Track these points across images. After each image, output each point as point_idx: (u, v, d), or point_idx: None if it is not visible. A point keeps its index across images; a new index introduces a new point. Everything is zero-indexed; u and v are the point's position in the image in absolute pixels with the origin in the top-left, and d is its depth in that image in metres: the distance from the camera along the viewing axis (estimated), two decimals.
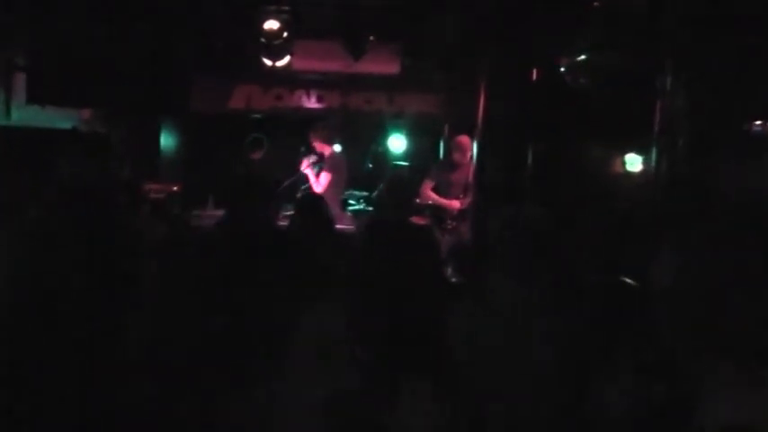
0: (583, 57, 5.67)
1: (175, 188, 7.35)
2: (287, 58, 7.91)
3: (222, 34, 7.90)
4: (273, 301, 3.37)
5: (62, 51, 7.69)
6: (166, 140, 9.20)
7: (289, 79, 8.82)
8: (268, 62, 7.85)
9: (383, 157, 8.96)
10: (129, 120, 8.52)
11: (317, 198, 5.64)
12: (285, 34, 7.37)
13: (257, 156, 8.44)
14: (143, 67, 8.00)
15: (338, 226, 6.70)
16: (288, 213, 7.51)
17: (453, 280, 6.37)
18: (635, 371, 2.53)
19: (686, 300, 2.60)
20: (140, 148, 8.64)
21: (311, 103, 9.02)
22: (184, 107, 8.79)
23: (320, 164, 7.64)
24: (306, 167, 7.64)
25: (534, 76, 6.65)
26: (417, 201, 7.56)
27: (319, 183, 7.56)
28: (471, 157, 7.21)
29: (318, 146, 7.67)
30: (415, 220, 7.09)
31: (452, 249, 7.35)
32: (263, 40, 7.40)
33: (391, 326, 3.93)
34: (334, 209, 7.34)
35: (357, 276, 4.22)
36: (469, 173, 7.34)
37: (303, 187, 7.58)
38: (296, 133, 8.47)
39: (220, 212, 7.24)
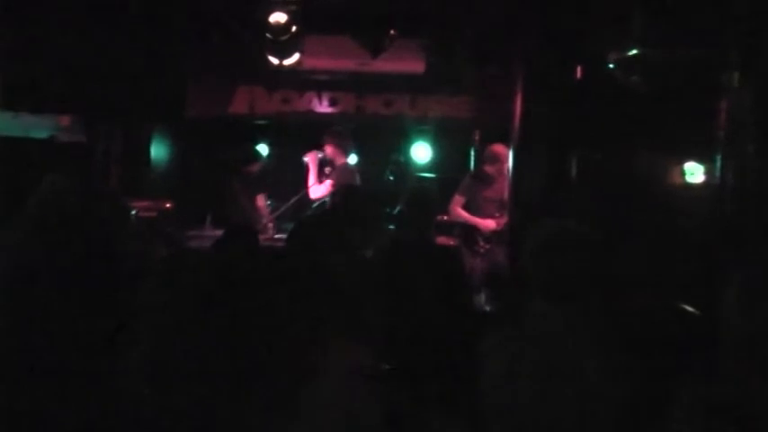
0: (635, 51, 5.67)
1: (168, 205, 7.41)
2: (295, 56, 7.97)
3: (222, 30, 7.95)
4: (280, 332, 3.38)
5: (38, 50, 7.72)
6: (158, 151, 9.22)
7: (297, 80, 8.89)
8: (274, 61, 7.91)
9: (405, 168, 9.00)
10: (114, 128, 8.60)
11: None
12: (293, 29, 7.40)
13: (253, 169, 8.44)
14: (131, 68, 8.04)
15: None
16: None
17: (487, 308, 6.37)
18: (698, 411, 2.50)
19: (761, 333, 2.56)
20: (128, 159, 8.69)
21: (323, 106, 9.07)
22: (179, 113, 8.86)
23: (326, 162, 7.71)
24: (310, 159, 7.69)
25: (579, 74, 6.64)
26: (445, 219, 7.57)
27: (318, 188, 7.61)
28: (507, 168, 7.19)
29: (331, 151, 7.69)
30: (443, 240, 7.12)
31: (486, 275, 7.36)
32: (268, 35, 7.44)
33: (415, 359, 3.95)
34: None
35: (374, 304, 4.23)
36: (505, 187, 7.34)
37: (314, 206, 7.64)
38: (305, 141, 8.52)
39: (219, 231, 7.37)
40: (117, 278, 3.66)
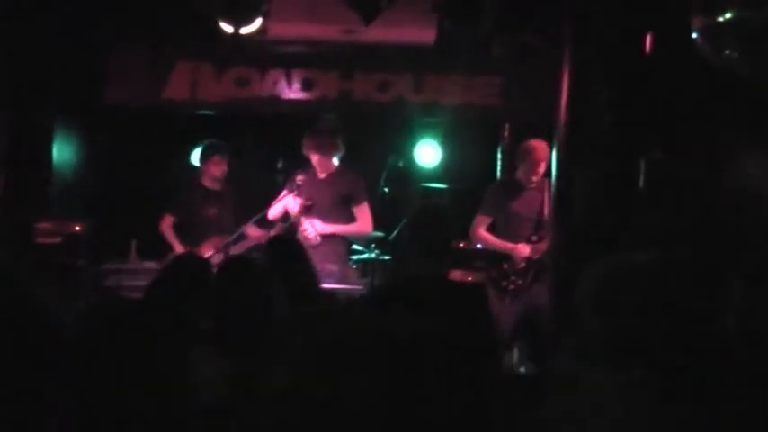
0: (729, 15, 5.69)
1: (78, 228, 7.41)
2: (257, 22, 7.99)
3: None
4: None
5: None
6: (63, 153, 9.13)
7: (258, 54, 8.96)
8: (227, 28, 7.93)
9: (406, 176, 9.00)
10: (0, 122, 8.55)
11: (294, 242, 5.69)
12: None
13: (219, 170, 8.43)
14: (22, 38, 8.06)
15: (332, 285, 6.75)
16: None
17: (522, 370, 6.36)
18: None
19: None
20: (19, 165, 8.58)
21: (293, 90, 9.09)
22: (93, 100, 8.87)
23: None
24: (289, 195, 7.77)
25: (649, 47, 6.67)
26: (462, 246, 7.58)
27: (279, 205, 7.76)
28: (548, 174, 7.21)
29: (318, 161, 7.76)
30: (459, 275, 7.12)
31: (519, 322, 7.36)
32: None
33: None
34: (327, 259, 7.43)
35: (366, 364, 4.22)
36: (545, 200, 7.37)
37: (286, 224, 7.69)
38: (269, 139, 8.54)
39: (150, 265, 7.39)
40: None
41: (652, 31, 6.63)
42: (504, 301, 7.37)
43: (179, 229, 8.11)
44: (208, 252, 7.50)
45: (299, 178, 7.78)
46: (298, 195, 7.72)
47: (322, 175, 7.89)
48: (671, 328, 2.67)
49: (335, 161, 7.94)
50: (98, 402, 3.49)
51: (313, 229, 7.62)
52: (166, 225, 8.10)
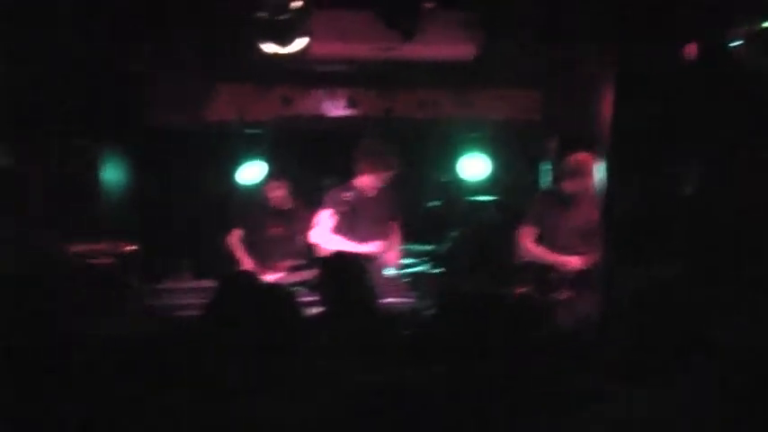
0: None
1: (130, 248, 7.49)
2: (300, 42, 8.06)
3: (194, 8, 8.06)
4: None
5: None
6: (113, 175, 9.26)
7: (303, 74, 8.97)
8: (271, 48, 8.00)
9: (453, 189, 9.03)
10: (48, 146, 8.64)
11: (350, 258, 5.73)
12: (296, 4, 7.53)
13: (279, 194, 8.54)
14: (67, 67, 8.16)
15: (385, 300, 6.80)
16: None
17: (568, 383, 6.35)
18: None
19: None
20: (69, 189, 8.69)
21: (337, 108, 9.18)
22: (141, 122, 9.00)
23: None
24: (330, 208, 7.84)
25: (693, 56, 6.68)
26: (511, 258, 7.59)
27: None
28: (594, 185, 7.24)
29: (370, 177, 7.83)
30: (509, 288, 7.14)
31: (569, 335, 7.36)
32: (261, 13, 7.57)
33: None
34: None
35: (422, 382, 4.28)
36: (593, 211, 7.39)
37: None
38: (313, 157, 8.59)
39: (203, 283, 7.45)
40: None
41: (694, 40, 6.65)
42: (555, 313, 7.37)
43: (247, 245, 8.19)
44: (280, 272, 7.61)
45: (346, 195, 7.86)
46: (338, 212, 7.80)
47: (371, 193, 7.96)
48: (699, 342, 2.70)
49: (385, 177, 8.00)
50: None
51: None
52: (235, 239, 8.18)
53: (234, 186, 8.97)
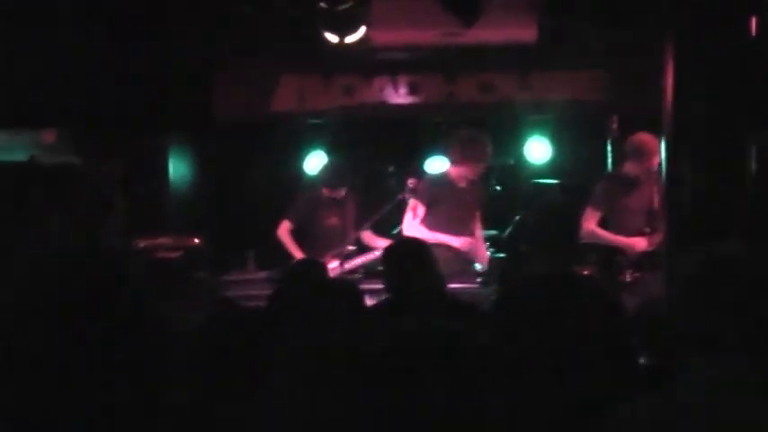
0: None
1: (195, 242, 7.56)
2: (361, 30, 8.08)
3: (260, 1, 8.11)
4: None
5: (8, 48, 7.90)
6: (178, 170, 9.43)
7: (364, 62, 9.04)
8: (332, 38, 8.03)
9: (517, 172, 9.00)
10: (115, 142, 8.76)
11: (418, 244, 5.74)
12: None
13: (337, 195, 8.45)
14: (131, 63, 8.27)
15: (454, 285, 6.81)
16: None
17: (641, 361, 6.34)
18: None
19: None
20: (137, 184, 8.84)
21: (400, 95, 9.19)
22: (204, 116, 9.06)
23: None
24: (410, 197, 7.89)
25: (752, 31, 6.61)
26: (577, 240, 7.56)
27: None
28: (659, 166, 7.19)
29: (467, 168, 7.84)
30: (576, 270, 7.13)
31: (637, 315, 7.32)
32: (321, 4, 7.59)
33: None
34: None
35: (493, 365, 4.29)
36: (655, 192, 7.34)
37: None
38: (378, 145, 8.60)
39: (268, 274, 7.52)
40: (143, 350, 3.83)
41: (754, 15, 6.57)
42: (621, 295, 7.34)
43: (298, 236, 8.19)
44: (331, 263, 7.62)
45: (411, 181, 7.90)
46: (429, 203, 7.83)
47: (462, 184, 7.97)
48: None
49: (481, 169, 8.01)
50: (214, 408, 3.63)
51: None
52: (284, 231, 8.16)
53: (295, 177, 8.99)
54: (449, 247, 7.67)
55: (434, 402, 2.90)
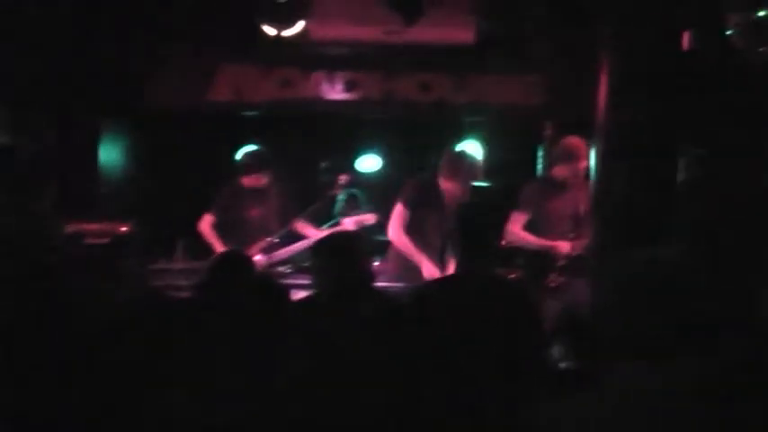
0: (764, 13, 5.70)
1: (124, 229, 7.49)
2: (300, 24, 8.06)
3: None
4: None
5: None
6: (109, 155, 9.34)
7: (302, 56, 9.03)
8: (270, 30, 8.01)
9: None
10: (47, 125, 8.65)
11: (348, 239, 5.73)
12: None
13: (260, 182, 8.17)
14: (69, 46, 8.22)
15: (383, 283, 6.81)
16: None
17: (562, 365, 6.38)
18: None
19: None
20: (68, 168, 8.75)
21: (336, 91, 9.18)
22: (138, 103, 9.01)
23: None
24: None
25: (687, 44, 6.68)
26: (502, 243, 7.58)
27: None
28: (587, 171, 7.25)
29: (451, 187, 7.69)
30: (500, 273, 7.16)
31: (560, 318, 7.37)
32: None
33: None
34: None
35: (412, 357, 4.32)
36: (583, 197, 7.40)
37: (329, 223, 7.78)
38: (312, 140, 8.58)
39: (197, 265, 7.48)
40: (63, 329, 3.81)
41: (690, 29, 6.64)
42: (546, 298, 7.38)
43: (221, 229, 8.12)
44: (256, 254, 7.57)
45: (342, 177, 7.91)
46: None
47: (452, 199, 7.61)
48: (694, 323, 2.72)
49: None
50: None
51: None
52: (206, 224, 8.06)
53: (224, 168, 8.91)
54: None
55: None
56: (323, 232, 7.64)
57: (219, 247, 7.83)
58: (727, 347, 2.85)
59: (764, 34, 5.74)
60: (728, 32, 5.87)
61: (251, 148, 8.19)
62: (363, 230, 7.70)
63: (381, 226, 7.71)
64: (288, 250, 7.85)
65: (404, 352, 4.35)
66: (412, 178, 7.75)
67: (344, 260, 4.88)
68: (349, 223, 7.86)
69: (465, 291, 4.75)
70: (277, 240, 7.84)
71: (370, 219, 7.95)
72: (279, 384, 3.79)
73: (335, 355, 4.19)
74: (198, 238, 7.99)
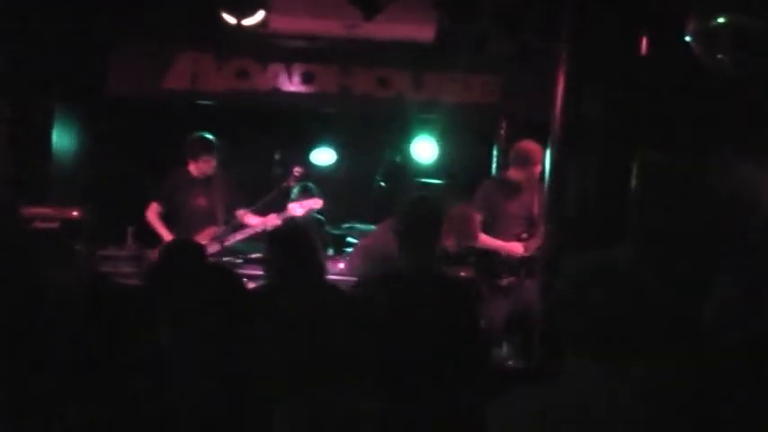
0: (722, 20, 5.73)
1: (75, 213, 7.43)
2: (259, 14, 8.03)
3: None
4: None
5: None
6: (63, 140, 9.23)
7: (260, 47, 9.00)
8: (230, 19, 7.97)
9: (402, 170, 9.02)
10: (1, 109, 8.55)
11: (301, 229, 5.70)
12: None
13: (207, 167, 8.13)
14: (24, 27, 8.12)
15: (332, 276, 6.80)
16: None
17: (510, 363, 6.42)
18: None
19: None
20: (19, 151, 8.67)
21: (293, 84, 9.14)
22: (94, 88, 8.95)
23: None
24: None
25: (644, 50, 6.71)
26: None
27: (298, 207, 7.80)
28: (541, 173, 7.24)
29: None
30: (451, 271, 7.16)
31: (511, 318, 7.39)
32: None
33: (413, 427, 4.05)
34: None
35: (358, 353, 4.30)
36: (536, 199, 7.41)
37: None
38: (267, 131, 8.53)
39: (146, 252, 7.43)
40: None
41: (648, 33, 6.67)
42: (497, 299, 7.39)
43: (167, 218, 8.06)
44: (203, 241, 7.52)
45: (297, 170, 7.87)
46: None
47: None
48: (645, 325, 2.72)
49: None
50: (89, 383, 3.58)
51: None
52: (152, 213, 7.99)
53: (174, 157, 8.85)
54: None
55: None
56: (268, 220, 7.66)
57: (167, 236, 7.78)
58: (676, 349, 2.86)
59: (722, 42, 5.75)
60: (686, 39, 5.88)
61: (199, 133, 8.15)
62: (317, 223, 7.68)
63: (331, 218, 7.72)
64: (232, 238, 7.81)
65: (345, 343, 4.35)
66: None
67: (295, 251, 4.85)
68: (295, 208, 7.85)
69: (408, 287, 4.75)
70: (223, 229, 7.79)
71: (316, 204, 7.95)
72: (235, 369, 3.76)
73: (287, 344, 4.17)
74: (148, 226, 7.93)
